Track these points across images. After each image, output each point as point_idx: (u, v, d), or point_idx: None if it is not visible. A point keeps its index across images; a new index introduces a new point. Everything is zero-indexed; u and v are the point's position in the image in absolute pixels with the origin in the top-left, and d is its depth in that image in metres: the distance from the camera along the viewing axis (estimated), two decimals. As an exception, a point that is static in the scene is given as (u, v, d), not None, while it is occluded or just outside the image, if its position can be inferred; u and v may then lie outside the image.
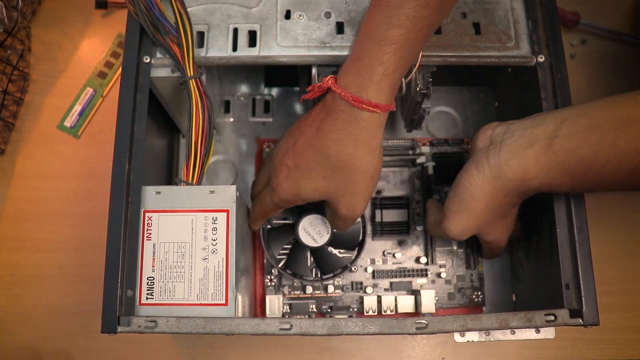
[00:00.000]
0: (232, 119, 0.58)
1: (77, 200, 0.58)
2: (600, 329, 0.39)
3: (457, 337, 0.42)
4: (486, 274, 0.54)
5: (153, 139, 0.48)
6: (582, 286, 0.39)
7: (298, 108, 0.59)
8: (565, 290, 0.40)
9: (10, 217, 0.57)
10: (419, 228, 0.54)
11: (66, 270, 0.56)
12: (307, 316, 0.51)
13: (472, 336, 0.42)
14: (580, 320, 0.38)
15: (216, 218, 0.40)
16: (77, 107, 0.60)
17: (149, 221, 0.40)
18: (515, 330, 0.40)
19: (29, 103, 0.61)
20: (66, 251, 0.56)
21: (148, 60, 0.43)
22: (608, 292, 0.54)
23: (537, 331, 0.41)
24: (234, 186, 0.40)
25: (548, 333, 0.41)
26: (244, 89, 0.59)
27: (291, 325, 0.37)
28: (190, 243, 0.39)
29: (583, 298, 0.39)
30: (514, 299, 0.53)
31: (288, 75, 0.56)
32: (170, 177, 0.53)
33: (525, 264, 0.50)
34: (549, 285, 0.43)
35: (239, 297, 0.40)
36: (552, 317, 0.38)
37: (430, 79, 0.44)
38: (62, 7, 0.64)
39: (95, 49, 0.63)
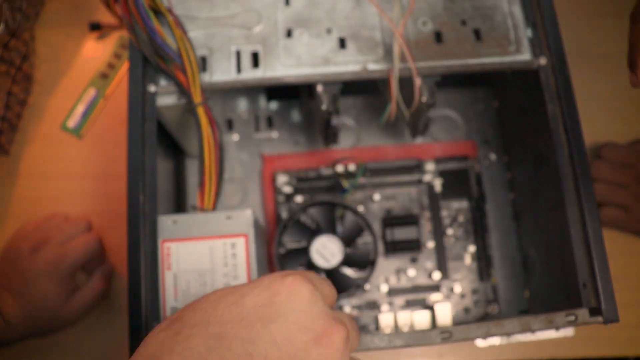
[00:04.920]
0: (235, 138, 0.58)
1: (80, 199, 0.58)
2: (617, 326, 0.40)
3: (479, 341, 0.43)
4: (498, 272, 0.54)
5: (160, 162, 0.48)
6: (599, 285, 0.39)
7: (300, 121, 0.59)
8: (583, 289, 0.40)
9: (16, 217, 0.57)
10: (430, 245, 0.54)
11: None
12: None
13: (494, 340, 0.43)
14: (600, 318, 0.39)
15: (234, 244, 0.40)
16: (80, 108, 0.60)
17: (168, 251, 0.40)
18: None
19: (33, 104, 0.61)
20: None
21: (154, 90, 0.43)
22: (623, 290, 0.55)
23: (557, 329, 0.42)
24: (250, 210, 0.40)
25: (568, 331, 0.42)
26: (244, 104, 0.59)
27: (318, 346, 0.37)
28: (210, 271, 0.39)
29: (601, 296, 0.39)
30: (527, 295, 0.54)
31: (290, 88, 0.56)
32: (179, 201, 0.53)
33: (537, 261, 0.51)
34: (564, 281, 0.43)
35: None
36: (573, 318, 0.39)
37: (435, 90, 0.44)
38: (65, 9, 0.64)
39: (98, 50, 0.63)
